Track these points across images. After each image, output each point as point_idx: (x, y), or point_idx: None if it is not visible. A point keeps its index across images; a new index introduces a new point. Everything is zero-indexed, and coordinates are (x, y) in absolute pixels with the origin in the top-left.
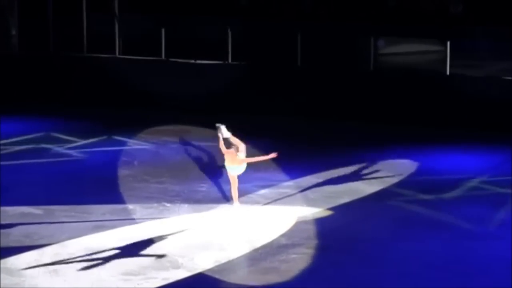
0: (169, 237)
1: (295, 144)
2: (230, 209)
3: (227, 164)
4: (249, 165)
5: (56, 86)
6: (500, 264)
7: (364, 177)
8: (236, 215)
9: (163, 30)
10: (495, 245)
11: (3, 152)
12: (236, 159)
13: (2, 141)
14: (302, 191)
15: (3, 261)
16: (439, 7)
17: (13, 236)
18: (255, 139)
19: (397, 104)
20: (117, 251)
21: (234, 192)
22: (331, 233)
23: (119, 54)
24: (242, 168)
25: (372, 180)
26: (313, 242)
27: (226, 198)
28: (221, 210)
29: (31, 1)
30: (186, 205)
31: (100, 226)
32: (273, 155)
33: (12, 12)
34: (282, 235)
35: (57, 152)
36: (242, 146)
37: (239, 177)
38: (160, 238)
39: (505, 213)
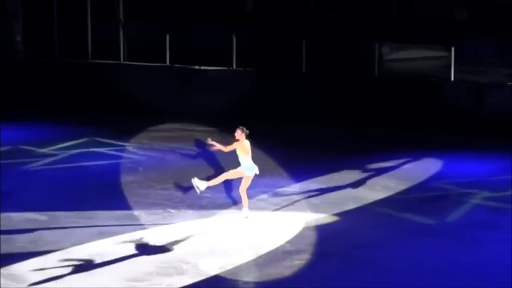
0: (173, 243)
1: (299, 150)
2: (237, 214)
3: (242, 157)
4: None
5: (60, 93)
6: (503, 270)
7: (368, 183)
8: (241, 221)
9: (167, 37)
10: (499, 251)
11: (5, 158)
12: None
13: (4, 148)
14: (307, 197)
15: (8, 267)
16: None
17: (18, 242)
18: (259, 145)
19: (402, 110)
20: (121, 257)
21: (244, 198)
22: (335, 239)
23: (124, 60)
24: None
25: (376, 187)
26: (318, 248)
27: (230, 204)
28: (226, 216)
29: (36, 9)
30: (190, 211)
31: (105, 232)
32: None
33: (17, 19)
34: (287, 241)
35: (61, 158)
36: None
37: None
38: (165, 244)
39: (508, 220)
